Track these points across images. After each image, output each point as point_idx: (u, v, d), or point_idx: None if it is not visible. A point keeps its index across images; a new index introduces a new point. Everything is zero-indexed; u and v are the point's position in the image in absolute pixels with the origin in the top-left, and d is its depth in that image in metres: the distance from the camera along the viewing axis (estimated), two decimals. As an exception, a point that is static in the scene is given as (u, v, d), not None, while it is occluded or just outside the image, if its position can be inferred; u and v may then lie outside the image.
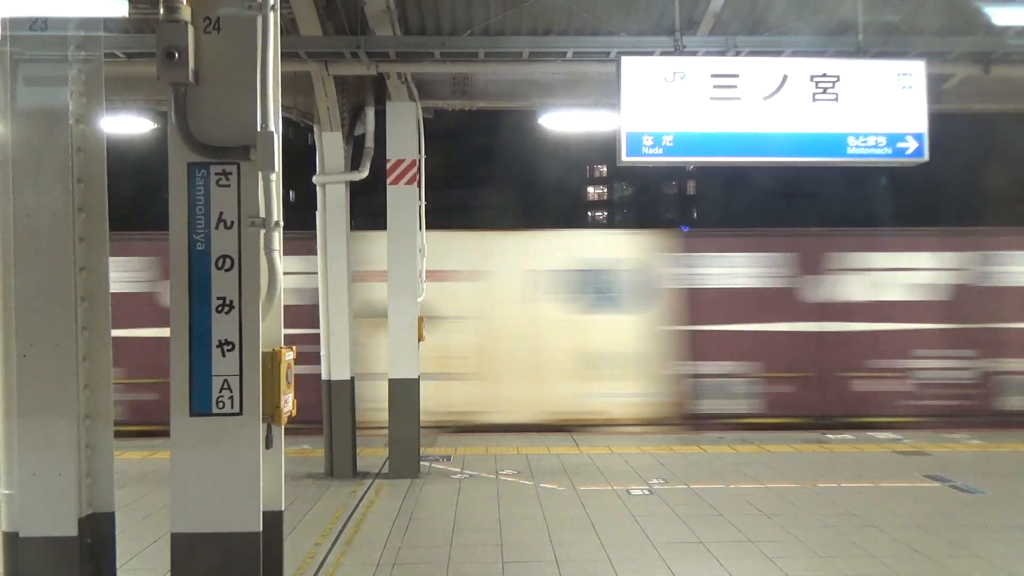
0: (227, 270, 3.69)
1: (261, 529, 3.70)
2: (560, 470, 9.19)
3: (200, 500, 3.68)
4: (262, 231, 3.71)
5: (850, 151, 6.41)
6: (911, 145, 6.46)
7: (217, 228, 3.70)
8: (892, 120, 6.44)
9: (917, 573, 5.85)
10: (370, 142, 9.10)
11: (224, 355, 3.67)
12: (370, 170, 9.13)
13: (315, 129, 8.87)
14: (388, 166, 9.03)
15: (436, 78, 9.21)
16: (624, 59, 6.38)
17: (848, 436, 11.32)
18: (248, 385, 3.68)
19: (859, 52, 6.81)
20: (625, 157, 6.34)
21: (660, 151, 6.35)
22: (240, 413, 3.67)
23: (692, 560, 6.11)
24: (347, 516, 7.35)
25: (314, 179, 8.94)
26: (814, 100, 6.40)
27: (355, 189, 9.35)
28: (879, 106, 6.42)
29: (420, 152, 9.16)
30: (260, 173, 3.71)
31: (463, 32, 8.15)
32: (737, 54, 7.32)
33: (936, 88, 9.22)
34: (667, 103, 6.35)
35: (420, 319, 9.07)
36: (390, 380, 8.93)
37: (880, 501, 7.79)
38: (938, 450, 10.34)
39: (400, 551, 6.36)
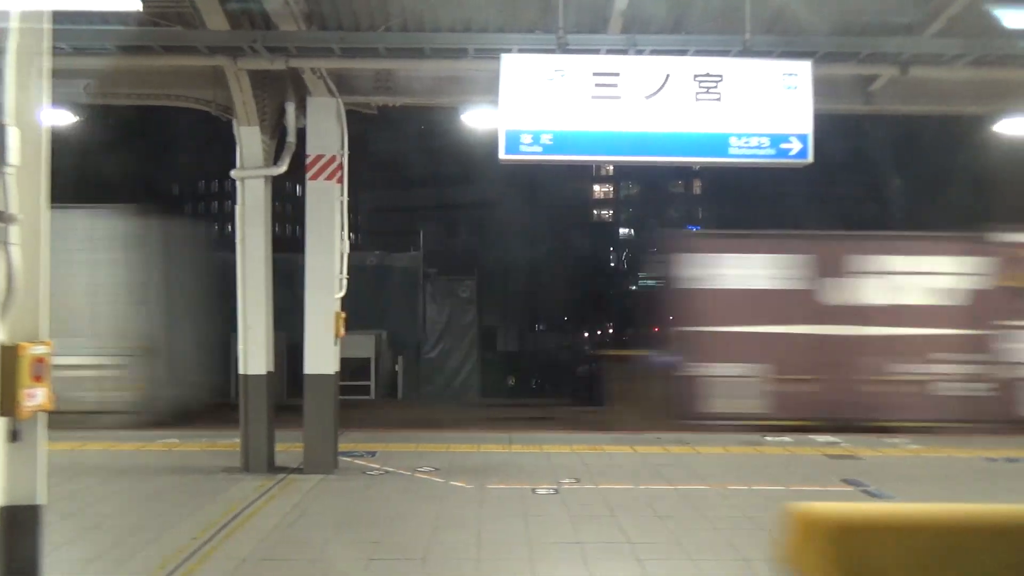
0: None
1: None
2: (479, 468, 9.16)
3: None
4: None
5: (732, 151, 6.35)
6: (794, 146, 6.39)
7: None
8: (776, 121, 6.38)
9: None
10: (291, 137, 9.09)
11: None
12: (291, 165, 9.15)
13: (233, 123, 8.86)
14: (307, 161, 9.02)
15: (357, 73, 9.11)
16: (504, 56, 6.37)
17: (786, 439, 11.24)
18: None
19: (745, 52, 6.71)
20: (503, 155, 6.31)
21: (539, 149, 6.32)
22: None
23: (557, 561, 6.07)
24: (240, 511, 7.35)
25: (232, 173, 8.93)
26: (697, 100, 6.34)
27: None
28: (762, 106, 6.35)
29: (343, 148, 9.12)
30: None
31: (380, 28, 8.12)
32: (639, 53, 7.23)
33: (863, 89, 9.14)
34: (547, 101, 6.31)
35: (338, 315, 9.06)
36: (306, 375, 8.94)
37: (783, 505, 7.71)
38: (871, 455, 10.26)
39: (275, 547, 6.36)
